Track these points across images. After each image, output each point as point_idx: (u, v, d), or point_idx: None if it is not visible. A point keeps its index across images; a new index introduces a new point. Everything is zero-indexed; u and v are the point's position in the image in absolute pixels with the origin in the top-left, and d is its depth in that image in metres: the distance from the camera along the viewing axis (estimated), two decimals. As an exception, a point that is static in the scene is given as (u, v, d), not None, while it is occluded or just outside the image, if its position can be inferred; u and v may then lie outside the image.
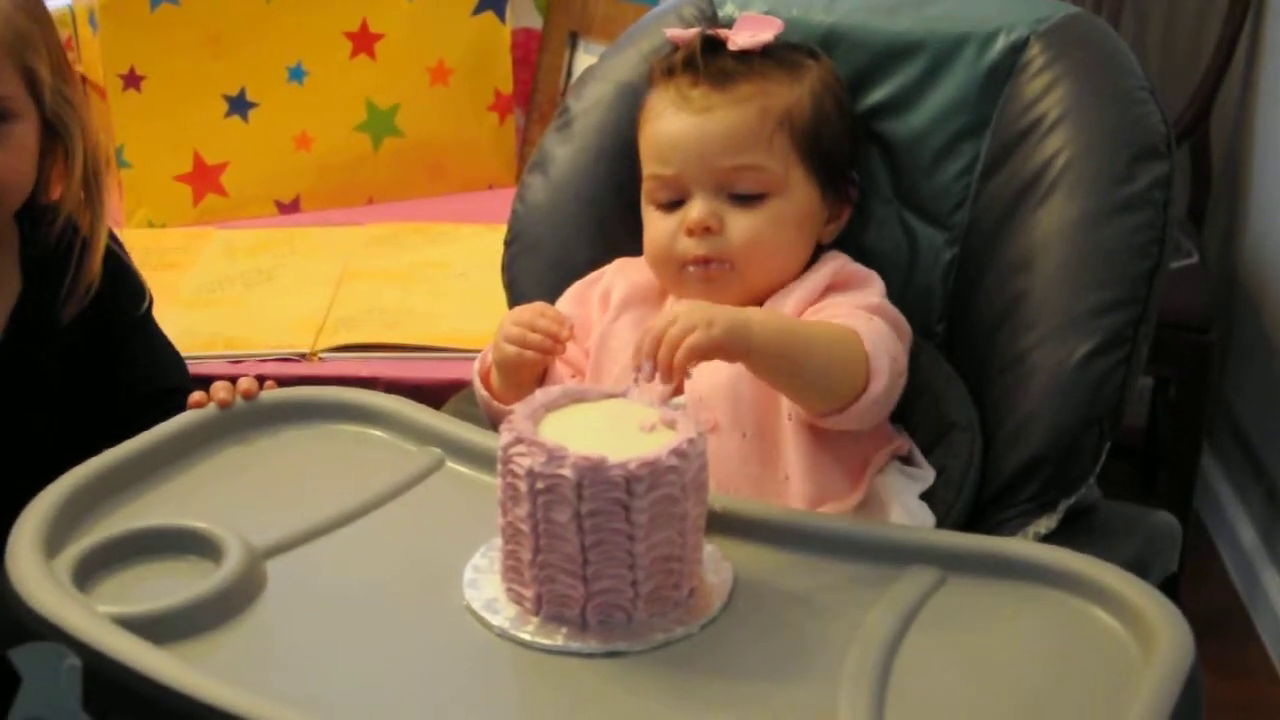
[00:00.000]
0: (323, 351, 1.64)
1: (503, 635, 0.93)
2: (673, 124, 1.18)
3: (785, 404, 1.14)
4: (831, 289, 1.18)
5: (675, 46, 1.22)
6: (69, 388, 1.31)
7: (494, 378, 1.19)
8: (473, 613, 0.95)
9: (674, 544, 0.93)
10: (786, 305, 1.17)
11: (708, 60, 1.18)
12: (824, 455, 1.13)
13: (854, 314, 1.14)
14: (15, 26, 1.24)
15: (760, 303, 1.18)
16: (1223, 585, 2.24)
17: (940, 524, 1.13)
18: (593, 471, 0.90)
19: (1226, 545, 2.30)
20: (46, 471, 1.20)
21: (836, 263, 1.21)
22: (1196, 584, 2.16)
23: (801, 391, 1.10)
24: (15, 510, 1.07)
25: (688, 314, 1.02)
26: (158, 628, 0.92)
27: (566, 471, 0.90)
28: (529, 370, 1.17)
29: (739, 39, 1.19)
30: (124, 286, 1.35)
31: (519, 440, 0.92)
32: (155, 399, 1.32)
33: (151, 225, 1.97)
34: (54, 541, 0.99)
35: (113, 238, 1.35)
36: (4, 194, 1.25)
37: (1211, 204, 2.31)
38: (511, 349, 1.15)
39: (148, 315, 1.37)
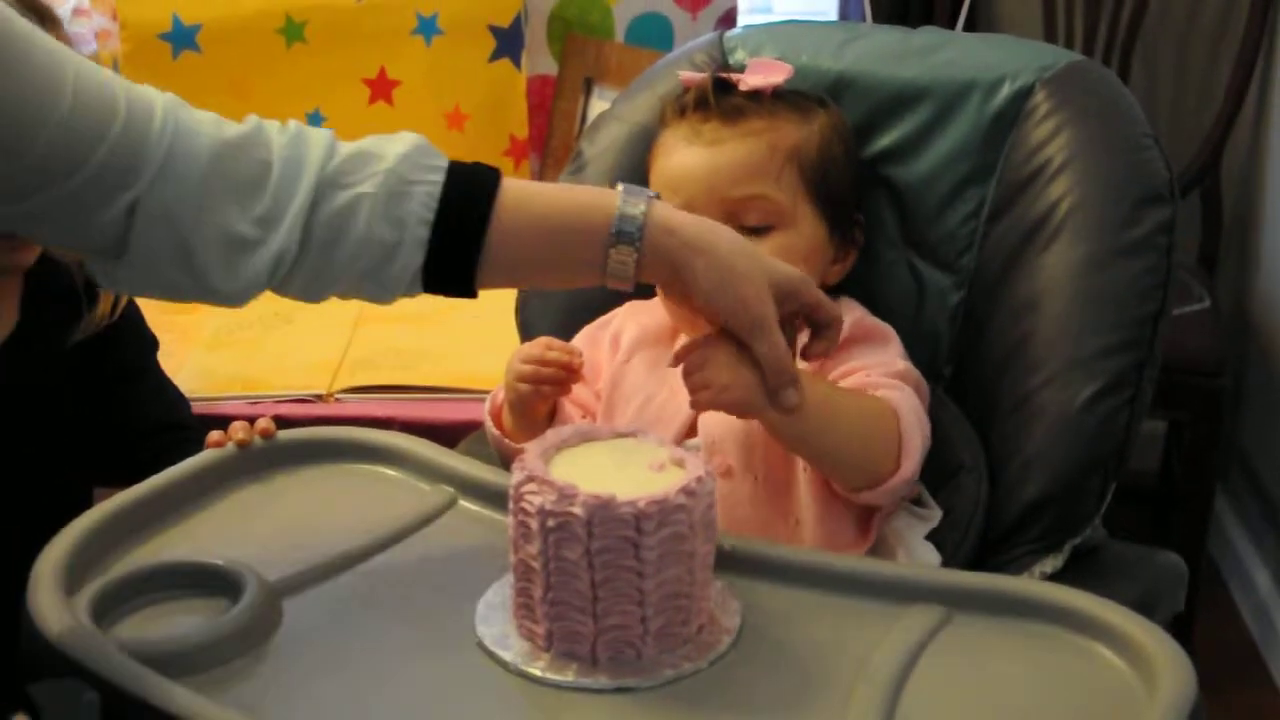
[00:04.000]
0: (339, 393, 1.66)
1: (514, 671, 0.94)
2: (684, 157, 1.20)
3: None
4: (851, 341, 1.19)
5: (687, 89, 1.24)
6: (68, 422, 1.34)
7: (506, 418, 1.20)
8: (484, 649, 0.96)
9: (683, 581, 0.94)
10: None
11: (719, 98, 1.20)
12: (836, 501, 1.14)
13: (890, 384, 1.14)
14: None
15: None
16: (1237, 630, 2.24)
17: (946, 564, 1.14)
18: (602, 509, 0.91)
19: (1240, 590, 2.30)
20: (45, 498, 1.23)
21: (854, 314, 1.21)
22: (1211, 628, 2.16)
23: (824, 461, 1.10)
24: (11, 533, 1.09)
25: (717, 371, 1.02)
26: (175, 663, 0.93)
27: (577, 509, 0.91)
28: (543, 406, 1.18)
29: (750, 80, 1.21)
30: (138, 333, 1.42)
31: (530, 479, 0.94)
32: (160, 432, 1.37)
33: (172, 268, 1.99)
34: (74, 578, 1.01)
35: None
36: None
37: (1223, 249, 2.32)
38: (526, 387, 1.16)
39: (155, 359, 1.44)
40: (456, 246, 0.99)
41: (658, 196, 1.01)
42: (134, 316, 1.42)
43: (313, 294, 1.02)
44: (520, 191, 1.01)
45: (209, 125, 0.99)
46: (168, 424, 1.40)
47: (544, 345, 1.17)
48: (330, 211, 0.98)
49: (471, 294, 1.02)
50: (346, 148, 1.00)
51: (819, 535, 1.13)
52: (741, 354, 1.02)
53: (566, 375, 1.16)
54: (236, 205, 0.97)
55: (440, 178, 0.99)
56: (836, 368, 1.17)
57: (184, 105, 0.99)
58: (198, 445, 1.19)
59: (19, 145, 0.91)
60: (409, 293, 1.02)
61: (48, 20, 1.23)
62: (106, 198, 0.94)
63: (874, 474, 1.10)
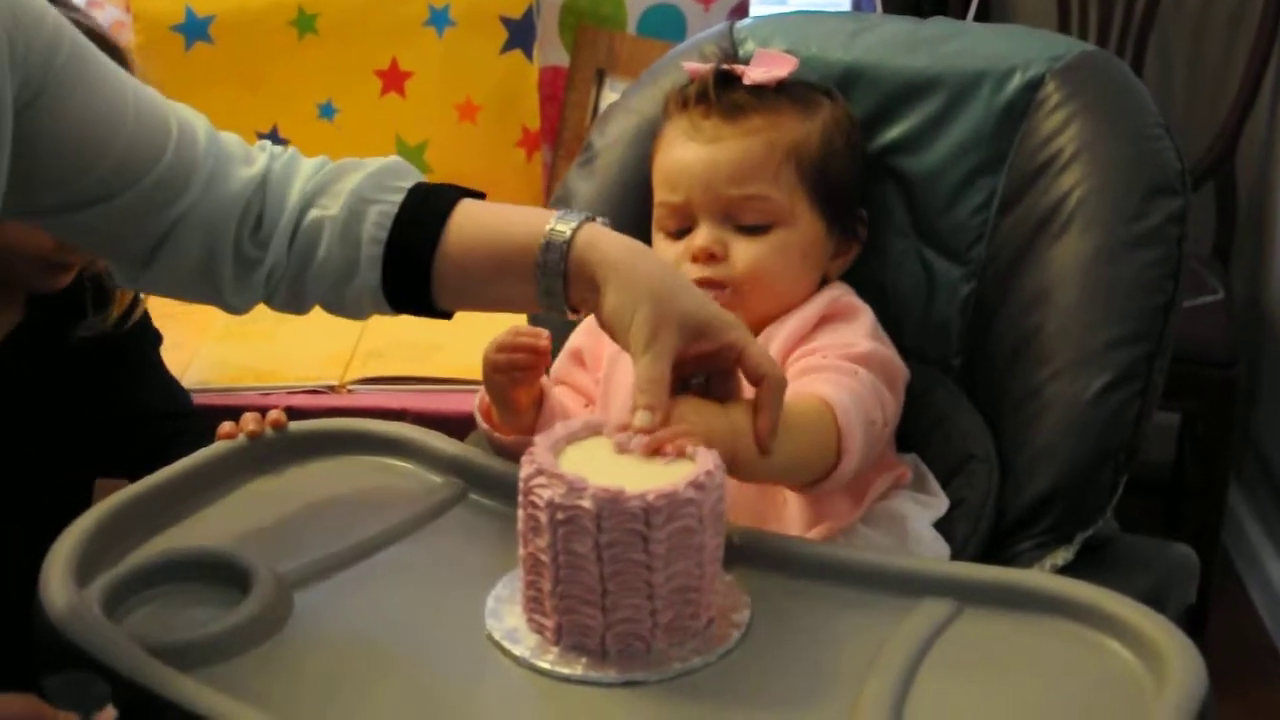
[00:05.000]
0: (351, 384, 1.66)
1: (523, 664, 0.94)
2: (683, 153, 1.20)
3: None
4: (825, 320, 1.19)
5: (692, 80, 1.24)
6: (70, 413, 1.36)
7: (495, 412, 1.20)
8: (494, 642, 0.97)
9: (692, 575, 0.94)
10: (779, 336, 1.17)
11: (721, 93, 1.20)
12: None
13: (839, 368, 1.12)
14: None
15: (760, 329, 1.19)
16: (1251, 622, 2.23)
17: (958, 555, 1.14)
18: (611, 503, 0.91)
19: (1255, 583, 2.29)
20: (46, 490, 1.27)
21: (833, 293, 1.21)
22: (1224, 621, 2.15)
23: (772, 479, 1.09)
24: (12, 527, 1.10)
25: (690, 427, 0.97)
26: (186, 655, 0.93)
27: (586, 503, 0.91)
28: (523, 394, 1.17)
29: (753, 74, 1.21)
30: (144, 328, 1.43)
31: (540, 472, 0.93)
32: (160, 420, 1.40)
33: (185, 260, 2.00)
34: (85, 569, 1.01)
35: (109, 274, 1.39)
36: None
37: (1237, 240, 2.31)
38: (501, 376, 1.15)
39: (158, 352, 1.47)
40: (409, 266, 1.03)
41: (592, 218, 1.01)
42: (145, 316, 1.43)
43: (295, 307, 1.08)
44: (472, 211, 1.03)
45: (238, 149, 1.05)
46: (168, 413, 1.42)
47: (513, 332, 1.16)
48: (303, 230, 1.04)
49: (438, 313, 1.06)
50: (329, 167, 1.06)
51: (807, 511, 1.13)
52: (705, 402, 0.99)
53: (537, 359, 1.15)
54: (250, 227, 1.03)
55: (399, 198, 1.03)
56: (801, 348, 1.16)
57: (212, 128, 1.05)
58: (197, 433, 1.20)
59: (95, 158, 0.97)
60: (379, 311, 1.06)
61: (119, 55, 1.25)
62: (156, 212, 1.00)
63: (813, 475, 1.09)
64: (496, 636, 0.97)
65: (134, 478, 1.12)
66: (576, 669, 0.93)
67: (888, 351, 1.18)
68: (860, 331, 1.18)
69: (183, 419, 1.42)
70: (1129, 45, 2.26)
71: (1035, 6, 2.35)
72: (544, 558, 0.94)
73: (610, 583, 0.92)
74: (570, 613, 0.94)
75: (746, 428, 1.00)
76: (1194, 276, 1.90)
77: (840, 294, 1.21)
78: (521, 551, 0.96)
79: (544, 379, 1.18)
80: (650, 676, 0.93)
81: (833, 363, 1.13)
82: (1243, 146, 2.25)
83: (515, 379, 1.15)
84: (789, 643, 0.96)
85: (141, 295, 1.40)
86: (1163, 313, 1.16)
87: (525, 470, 0.95)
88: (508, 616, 0.98)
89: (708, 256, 1.18)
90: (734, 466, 0.99)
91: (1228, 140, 2.22)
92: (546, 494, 0.92)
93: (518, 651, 0.95)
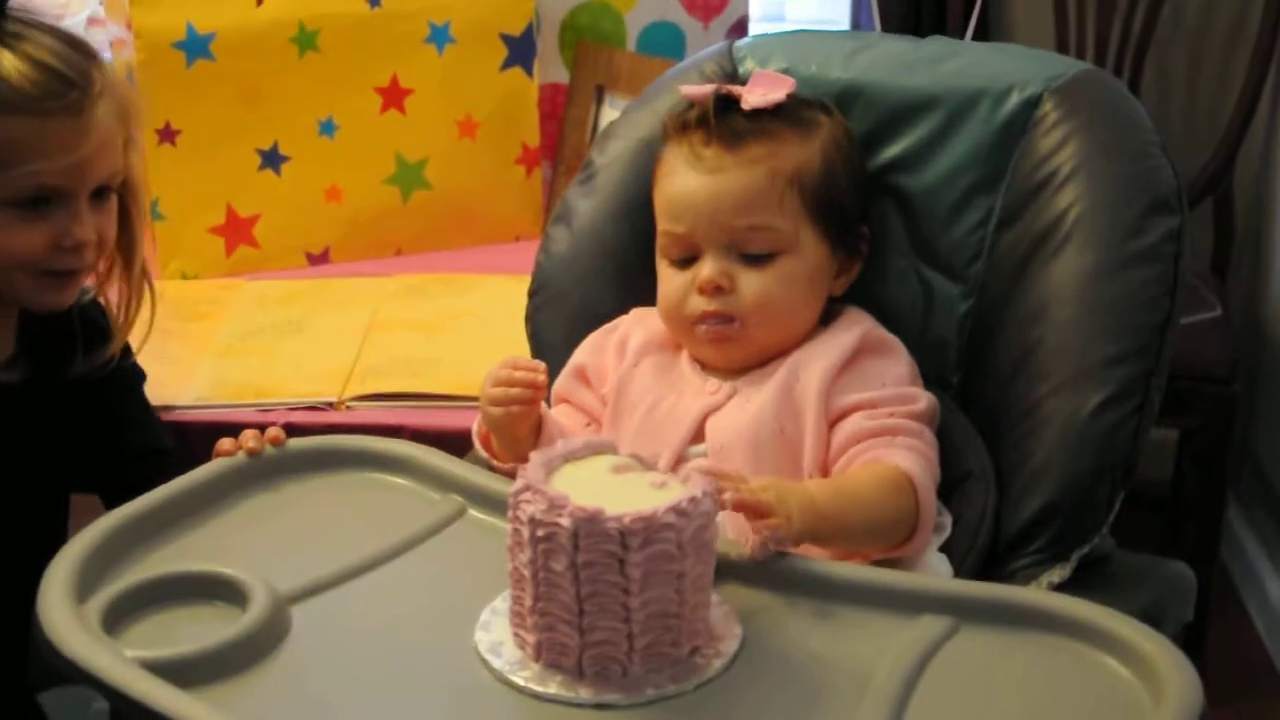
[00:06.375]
0: (350, 400, 1.66)
1: (499, 678, 0.95)
2: (685, 183, 1.20)
3: (806, 456, 1.16)
4: (861, 352, 1.20)
5: (691, 104, 1.24)
6: (61, 447, 1.34)
7: (494, 441, 1.21)
8: (478, 655, 0.97)
9: (670, 601, 0.93)
10: (816, 368, 1.18)
11: (720, 119, 1.20)
12: None
13: (909, 430, 1.14)
14: (127, 97, 1.27)
15: (771, 358, 1.20)
16: (1250, 640, 2.23)
17: (955, 572, 1.14)
18: (589, 523, 0.90)
19: (1254, 601, 2.29)
20: (39, 516, 1.25)
21: (864, 325, 1.22)
22: (1223, 639, 2.15)
23: (848, 547, 1.11)
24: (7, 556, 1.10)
25: (777, 502, 1.03)
26: (184, 672, 0.94)
27: (564, 521, 0.91)
28: (521, 426, 1.18)
29: (751, 98, 1.21)
30: (132, 369, 1.41)
31: (527, 487, 0.94)
32: (145, 456, 1.38)
33: (185, 277, 2.00)
34: (84, 587, 1.01)
35: (101, 311, 1.37)
36: (90, 261, 1.28)
37: (1235, 257, 2.31)
38: (498, 410, 1.16)
39: (142, 389, 1.43)
40: None
41: None
42: (127, 348, 1.40)
43: None
44: None
45: None
46: (153, 449, 1.40)
47: (511, 366, 1.17)
48: None
49: None
50: None
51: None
52: (780, 482, 1.07)
53: (534, 393, 1.16)
54: None
55: None
56: (849, 394, 1.17)
57: None
58: (178, 469, 1.19)
59: None
60: None
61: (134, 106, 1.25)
62: None
63: (886, 545, 1.12)
64: (481, 649, 0.97)
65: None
66: (550, 687, 0.93)
67: (932, 398, 1.19)
68: (904, 366, 1.19)
69: (165, 456, 1.40)
70: (1126, 64, 2.26)
71: (1033, 26, 2.35)
72: (526, 573, 0.94)
73: (586, 603, 0.92)
74: (549, 630, 0.94)
75: (820, 499, 1.06)
76: (1192, 293, 1.90)
77: (871, 326, 1.22)
78: (509, 566, 0.96)
79: (541, 406, 1.19)
80: (622, 700, 0.92)
81: (904, 424, 1.15)
82: (1240, 163, 2.25)
83: (513, 414, 1.16)
84: (779, 667, 0.96)
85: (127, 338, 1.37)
86: (1160, 330, 1.16)
87: (516, 484, 0.95)
88: (497, 630, 0.99)
89: (715, 289, 1.18)
90: (815, 535, 1.05)
91: (1225, 157, 2.23)
92: (529, 509, 0.93)
93: (496, 665, 0.95)
